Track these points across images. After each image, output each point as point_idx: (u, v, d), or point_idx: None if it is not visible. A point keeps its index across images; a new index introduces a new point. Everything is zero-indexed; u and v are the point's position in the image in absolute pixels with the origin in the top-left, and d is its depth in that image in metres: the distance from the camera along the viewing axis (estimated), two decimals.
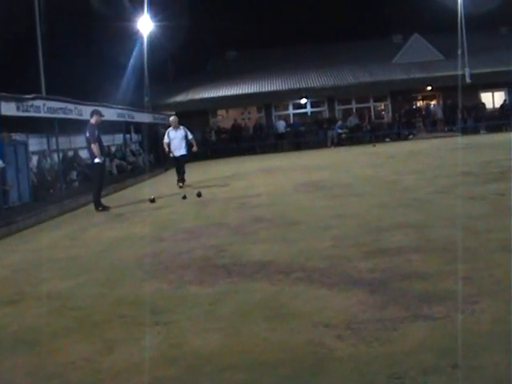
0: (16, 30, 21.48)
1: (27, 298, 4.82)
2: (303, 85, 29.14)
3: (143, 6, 24.24)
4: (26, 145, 12.78)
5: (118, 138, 21.14)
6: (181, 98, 29.07)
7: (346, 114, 29.76)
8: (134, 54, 26.04)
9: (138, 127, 23.45)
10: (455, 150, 17.51)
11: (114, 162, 18.63)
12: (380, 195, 8.82)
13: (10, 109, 10.80)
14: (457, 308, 3.44)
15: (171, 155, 13.69)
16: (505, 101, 28.72)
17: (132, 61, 26.37)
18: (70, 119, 14.11)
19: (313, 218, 7.29)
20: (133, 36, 25.41)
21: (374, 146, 23.83)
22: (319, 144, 27.38)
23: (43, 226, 9.50)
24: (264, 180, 13.47)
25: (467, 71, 26.22)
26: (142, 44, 25.46)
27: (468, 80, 26.13)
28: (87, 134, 10.33)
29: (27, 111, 11.62)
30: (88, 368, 3.16)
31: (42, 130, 15.14)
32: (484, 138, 21.93)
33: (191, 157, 15.02)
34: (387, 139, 26.88)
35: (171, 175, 13.44)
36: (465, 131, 25.73)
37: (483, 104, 28.66)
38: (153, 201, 10.80)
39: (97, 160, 10.28)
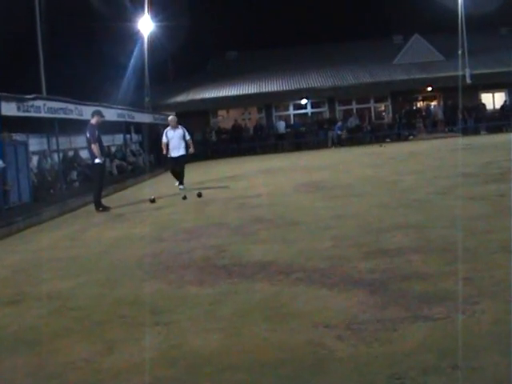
0: (16, 30, 21.49)
1: (27, 298, 4.82)
2: (303, 85, 29.16)
3: (143, 6, 24.31)
4: (26, 145, 12.78)
5: (119, 139, 21.15)
6: (181, 98, 29.08)
7: (347, 114, 29.77)
8: (135, 54, 26.08)
9: (139, 127, 23.46)
10: (455, 150, 17.51)
11: (114, 162, 18.64)
12: (380, 196, 8.82)
13: (10, 109, 10.81)
14: (457, 308, 3.44)
15: (168, 156, 13.09)
16: (505, 101, 28.74)
17: (132, 61, 26.41)
18: (70, 119, 14.13)
19: (313, 218, 7.29)
20: (133, 36, 25.47)
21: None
22: (319, 144, 27.39)
23: (43, 227, 9.50)
24: (264, 180, 13.47)
25: (467, 72, 26.23)
26: (142, 44, 25.50)
27: (468, 81, 26.14)
28: (87, 135, 10.33)
29: (28, 111, 11.63)
30: (88, 368, 3.16)
31: (43, 130, 15.14)
32: (484, 139, 21.93)
33: (190, 157, 14.78)
34: (387, 140, 26.86)
35: (171, 175, 13.38)
36: (465, 132, 25.73)
37: (484, 105, 28.68)
38: (153, 201, 10.80)
39: (97, 160, 10.28)
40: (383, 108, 30.93)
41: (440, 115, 28.68)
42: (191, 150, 13.34)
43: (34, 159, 14.24)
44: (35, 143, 14.95)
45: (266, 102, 30.01)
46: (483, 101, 29.03)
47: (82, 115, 14.24)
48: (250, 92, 29.15)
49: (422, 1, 31.60)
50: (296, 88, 29.06)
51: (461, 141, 20.98)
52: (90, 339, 3.60)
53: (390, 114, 29.75)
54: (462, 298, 3.60)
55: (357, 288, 4.06)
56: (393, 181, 10.66)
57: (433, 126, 28.44)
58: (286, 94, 29.27)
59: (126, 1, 26.06)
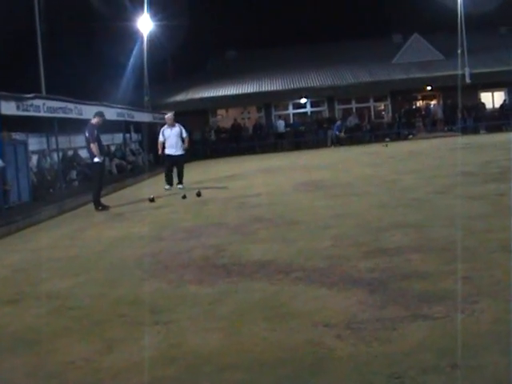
0: (16, 30, 21.50)
1: (27, 297, 4.82)
2: (303, 84, 29.15)
3: (143, 5, 24.30)
4: (25, 144, 12.76)
5: (118, 138, 21.13)
6: (180, 97, 29.07)
7: (346, 113, 29.75)
8: (134, 53, 26.09)
9: (138, 127, 23.45)
10: (455, 149, 17.51)
11: (113, 161, 18.64)
12: (379, 195, 8.82)
13: (9, 108, 10.80)
14: (456, 308, 3.44)
15: (165, 153, 12.72)
16: (504, 101, 28.73)
17: (132, 60, 26.43)
18: (69, 119, 14.10)
19: (312, 217, 7.29)
20: (133, 36, 25.47)
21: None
22: (319, 144, 27.37)
23: (43, 226, 9.50)
24: (263, 180, 13.47)
25: (467, 71, 26.23)
26: (141, 44, 25.50)
27: (468, 80, 26.14)
28: (86, 134, 10.33)
29: (27, 110, 11.61)
30: (88, 368, 3.16)
31: (42, 130, 15.12)
32: (484, 138, 21.93)
33: (189, 157, 14.52)
34: (387, 139, 26.83)
35: (163, 177, 13.12)
36: (465, 131, 25.72)
37: (483, 104, 28.67)
38: (152, 200, 10.80)
39: (96, 159, 10.28)
40: (383, 107, 30.92)
41: (439, 114, 28.67)
42: (185, 145, 12.89)
43: (34, 158, 14.23)
44: (35, 142, 14.94)
45: (266, 102, 29.99)
46: (482, 100, 29.02)
47: (81, 114, 14.23)
48: (249, 91, 29.15)
49: (421, 0, 31.64)
50: (295, 87, 29.05)
51: (460, 140, 20.99)
52: (90, 338, 3.60)
53: (390, 114, 29.74)
54: (462, 298, 3.60)
55: (356, 287, 4.07)
56: (392, 180, 10.66)
57: (432, 125, 28.43)
58: (286, 94, 29.26)
59: (126, 0, 26.09)
